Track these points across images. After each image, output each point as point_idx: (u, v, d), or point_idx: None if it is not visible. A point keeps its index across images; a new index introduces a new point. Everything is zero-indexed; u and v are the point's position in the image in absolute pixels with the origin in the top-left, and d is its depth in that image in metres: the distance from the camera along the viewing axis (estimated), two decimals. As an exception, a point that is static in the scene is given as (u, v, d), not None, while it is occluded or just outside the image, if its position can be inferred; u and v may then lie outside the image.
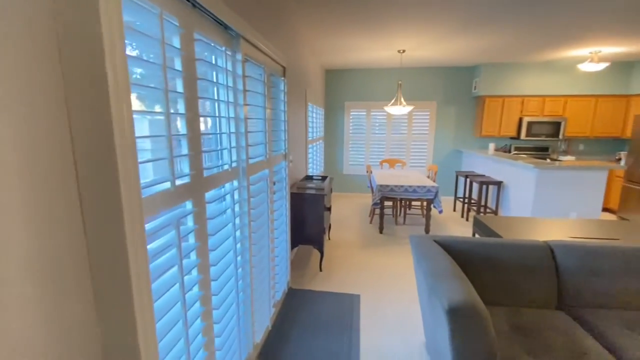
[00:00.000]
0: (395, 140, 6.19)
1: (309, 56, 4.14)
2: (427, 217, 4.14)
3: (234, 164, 1.53)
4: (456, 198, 5.43)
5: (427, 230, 4.20)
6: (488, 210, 4.78)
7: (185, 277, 1.14)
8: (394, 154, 6.24)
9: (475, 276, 1.88)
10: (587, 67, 4.35)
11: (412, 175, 4.72)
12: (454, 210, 5.42)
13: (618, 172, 5.06)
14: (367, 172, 4.96)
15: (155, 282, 0.99)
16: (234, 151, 1.53)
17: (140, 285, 0.83)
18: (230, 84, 1.49)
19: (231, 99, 1.50)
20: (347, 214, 5.10)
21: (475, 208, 4.82)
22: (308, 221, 2.97)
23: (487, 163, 5.03)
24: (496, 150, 5.75)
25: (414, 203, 5.74)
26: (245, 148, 1.59)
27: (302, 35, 3.56)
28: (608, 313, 1.73)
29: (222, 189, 1.49)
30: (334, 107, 6.16)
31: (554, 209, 3.75)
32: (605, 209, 5.28)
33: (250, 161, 1.70)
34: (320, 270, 3.12)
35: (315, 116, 4.78)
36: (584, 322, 1.71)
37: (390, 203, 5.99)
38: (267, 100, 1.95)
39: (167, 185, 1.01)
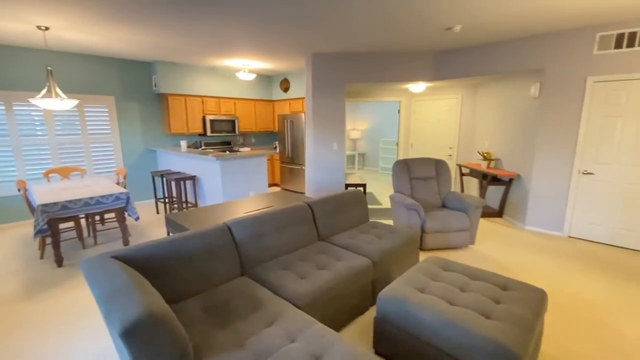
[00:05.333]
0: (67, 143, 4.86)
1: None
2: (123, 229, 3.61)
3: None
4: (157, 199, 5.17)
5: (125, 243, 3.67)
6: (190, 204, 4.94)
7: None
8: (67, 160, 4.89)
9: (166, 276, 1.80)
10: (242, 76, 5.44)
11: (96, 184, 3.91)
12: (158, 212, 5.14)
13: (276, 157, 6.91)
14: (19, 190, 3.50)
15: None
16: None
17: None
18: None
19: None
20: (-7, 258, 3.42)
21: (177, 206, 4.82)
22: None
23: (181, 160, 5.14)
24: (188, 147, 6.01)
25: (107, 216, 4.87)
26: None
27: None
28: (272, 263, 2.27)
29: None
30: None
31: (238, 192, 4.48)
32: (273, 184, 7.08)
33: None
34: None
35: None
36: (259, 278, 2.12)
37: (71, 224, 4.71)
38: None
39: None
